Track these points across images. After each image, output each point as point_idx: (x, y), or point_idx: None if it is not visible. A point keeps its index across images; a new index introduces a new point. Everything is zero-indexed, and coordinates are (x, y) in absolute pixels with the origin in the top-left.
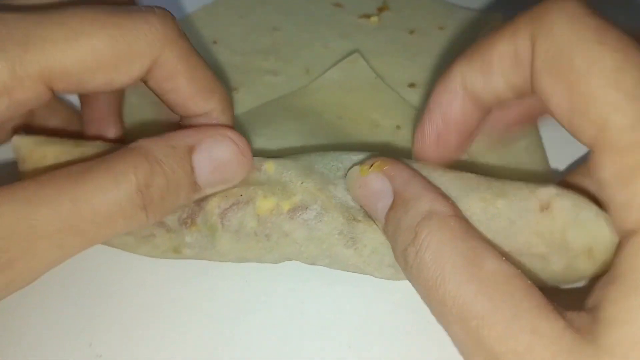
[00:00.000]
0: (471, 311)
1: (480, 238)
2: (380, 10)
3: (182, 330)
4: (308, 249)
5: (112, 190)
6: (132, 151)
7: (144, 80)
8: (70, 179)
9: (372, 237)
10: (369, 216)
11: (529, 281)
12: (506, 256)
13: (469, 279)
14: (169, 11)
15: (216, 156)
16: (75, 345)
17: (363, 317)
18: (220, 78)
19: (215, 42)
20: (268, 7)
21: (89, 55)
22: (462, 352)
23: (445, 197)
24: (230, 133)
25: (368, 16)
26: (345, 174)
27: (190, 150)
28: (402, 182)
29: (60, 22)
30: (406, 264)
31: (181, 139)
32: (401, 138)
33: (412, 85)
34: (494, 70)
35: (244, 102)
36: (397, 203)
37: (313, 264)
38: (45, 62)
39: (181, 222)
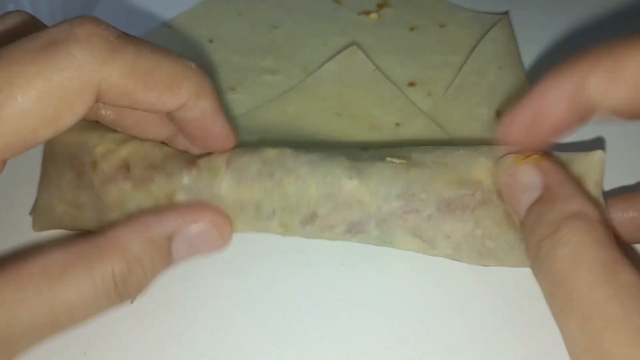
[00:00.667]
0: (599, 312)
1: (621, 250)
2: (380, 6)
3: (177, 337)
4: (311, 185)
5: (90, 291)
6: (111, 247)
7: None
8: (48, 279)
9: (378, 171)
10: (508, 207)
11: None
12: None
13: (604, 283)
14: (91, 19)
15: (195, 241)
16: (69, 353)
17: (361, 326)
18: (216, 78)
19: (211, 41)
20: (267, 4)
21: (23, 122)
22: (572, 349)
23: (596, 203)
24: (210, 215)
25: (367, 13)
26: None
27: (169, 239)
28: (555, 180)
29: None
30: (537, 255)
31: (160, 228)
32: (401, 136)
33: (412, 84)
34: (624, 80)
35: (242, 102)
36: (546, 198)
37: (314, 213)
38: None
39: (182, 165)
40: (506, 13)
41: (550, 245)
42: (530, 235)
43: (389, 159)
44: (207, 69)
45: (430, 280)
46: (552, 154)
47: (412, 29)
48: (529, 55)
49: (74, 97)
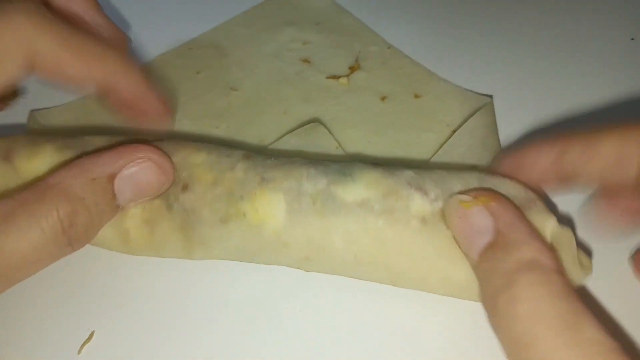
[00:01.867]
0: None
1: (581, 301)
2: (352, 69)
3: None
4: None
5: (37, 235)
6: (53, 190)
7: (34, 74)
8: None
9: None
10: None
11: (627, 358)
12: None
13: (567, 343)
14: (36, 3)
15: (137, 179)
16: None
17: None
18: (161, 145)
19: None
20: (230, 60)
21: None
22: None
23: (550, 248)
24: (151, 152)
25: (337, 77)
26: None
27: (111, 178)
28: (507, 223)
29: None
30: (495, 310)
31: (101, 168)
32: None
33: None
34: (597, 158)
35: None
36: (499, 244)
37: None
38: None
39: None
40: (490, 97)
41: (507, 300)
42: (484, 285)
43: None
44: (153, 134)
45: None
46: (503, 196)
47: (383, 99)
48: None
49: (8, 56)
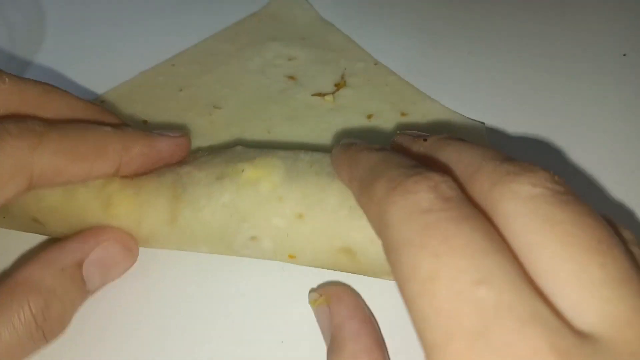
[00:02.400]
0: None
1: None
2: (338, 86)
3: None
4: None
5: (12, 335)
6: (23, 286)
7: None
8: None
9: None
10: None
11: None
12: None
13: None
14: (18, 116)
15: (104, 262)
16: None
17: None
18: None
19: (145, 122)
20: (213, 76)
21: None
22: None
23: (375, 346)
24: (114, 233)
25: (322, 94)
26: None
27: (79, 265)
28: (338, 323)
29: None
30: None
31: (69, 257)
32: None
33: None
34: None
35: None
36: (332, 346)
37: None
38: None
39: None
40: (483, 124)
41: None
42: None
43: None
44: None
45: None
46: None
47: (369, 117)
48: None
49: (7, 179)
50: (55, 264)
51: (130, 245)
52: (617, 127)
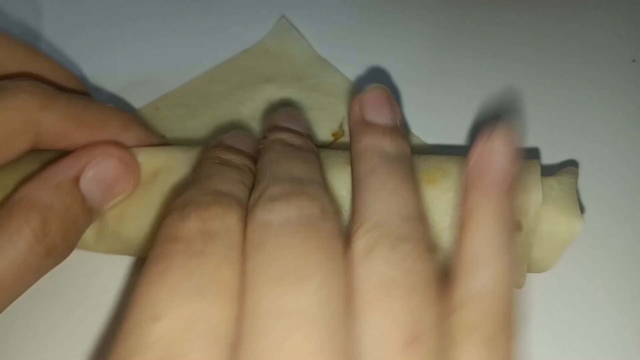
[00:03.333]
0: None
1: None
2: (335, 136)
3: None
4: None
5: (12, 252)
6: (20, 204)
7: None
8: None
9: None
10: None
11: None
12: None
13: None
14: (31, 77)
15: (102, 178)
16: None
17: None
18: None
19: None
20: (200, 122)
21: None
22: None
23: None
24: (112, 149)
25: (318, 147)
26: None
27: (76, 180)
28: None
29: None
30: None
31: (64, 172)
32: None
33: None
34: None
35: None
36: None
37: None
38: None
39: None
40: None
41: None
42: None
43: None
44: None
45: None
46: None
47: None
48: None
49: (16, 134)
50: (51, 181)
51: (127, 159)
52: (626, 135)
